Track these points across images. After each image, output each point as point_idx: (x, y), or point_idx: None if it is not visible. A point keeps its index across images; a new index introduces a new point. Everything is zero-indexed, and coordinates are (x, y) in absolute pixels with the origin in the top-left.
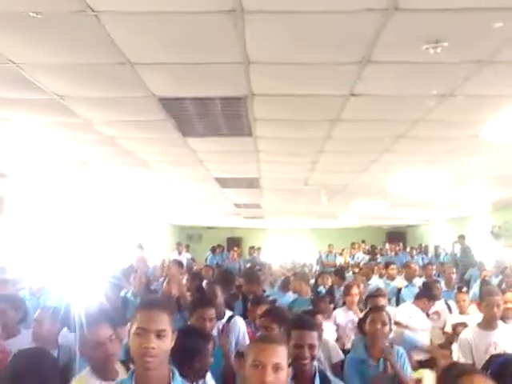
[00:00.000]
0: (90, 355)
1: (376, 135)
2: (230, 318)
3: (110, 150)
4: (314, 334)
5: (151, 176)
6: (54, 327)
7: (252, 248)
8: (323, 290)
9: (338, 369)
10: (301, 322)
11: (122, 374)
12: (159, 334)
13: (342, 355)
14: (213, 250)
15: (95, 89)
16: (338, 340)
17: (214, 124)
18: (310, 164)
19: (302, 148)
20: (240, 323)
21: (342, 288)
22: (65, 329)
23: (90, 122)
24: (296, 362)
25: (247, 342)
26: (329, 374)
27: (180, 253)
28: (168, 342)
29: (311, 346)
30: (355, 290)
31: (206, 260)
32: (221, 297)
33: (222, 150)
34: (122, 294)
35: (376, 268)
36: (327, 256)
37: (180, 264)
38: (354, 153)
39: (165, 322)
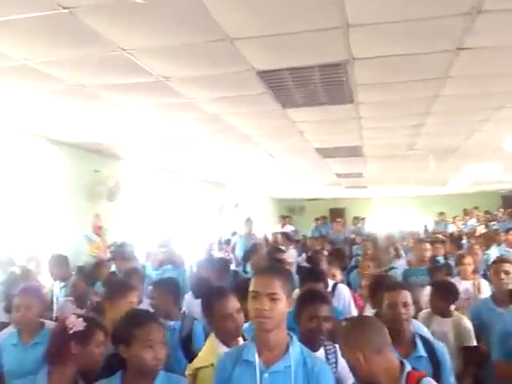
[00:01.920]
0: (217, 325)
1: (489, 90)
2: (334, 285)
3: (212, 126)
4: (406, 292)
5: (252, 150)
6: (173, 298)
7: (356, 218)
8: (441, 260)
9: None
10: (392, 284)
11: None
12: (271, 297)
13: None
14: (316, 221)
15: (198, 68)
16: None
17: (313, 93)
18: (416, 128)
19: (406, 111)
20: (344, 291)
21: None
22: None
23: (193, 100)
24: (392, 321)
25: (353, 309)
26: (430, 337)
27: (283, 225)
28: (282, 306)
29: (405, 305)
30: (468, 260)
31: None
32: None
33: (322, 119)
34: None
35: (494, 235)
36: (437, 224)
37: (287, 236)
38: (464, 112)
39: (276, 287)
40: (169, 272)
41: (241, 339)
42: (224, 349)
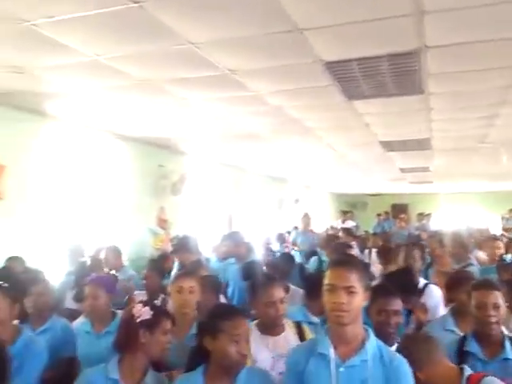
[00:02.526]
0: (259, 311)
1: None
2: (426, 285)
3: (276, 120)
4: (497, 293)
5: (315, 144)
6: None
7: (421, 214)
8: (508, 258)
9: None
10: (482, 283)
11: (287, 330)
12: (349, 291)
13: None
14: (378, 216)
15: (264, 60)
16: None
17: (381, 84)
18: (488, 119)
19: (479, 101)
20: (435, 291)
21: None
22: None
23: (258, 93)
24: (480, 323)
25: (441, 310)
26: None
27: (344, 221)
28: (358, 299)
29: (495, 306)
30: None
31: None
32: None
33: (390, 111)
34: None
35: None
36: (507, 221)
37: (348, 231)
38: None
39: (353, 280)
40: (232, 265)
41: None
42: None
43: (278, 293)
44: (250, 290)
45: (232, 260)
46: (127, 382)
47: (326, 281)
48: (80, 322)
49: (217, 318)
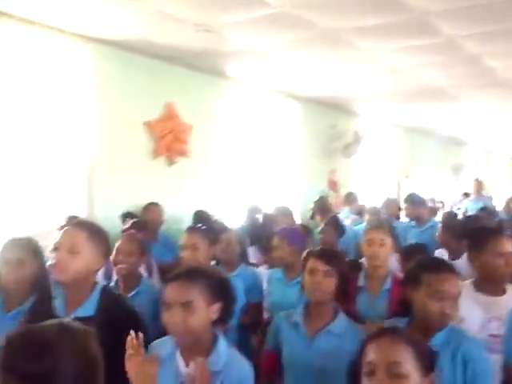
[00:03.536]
0: (485, 265)
1: None
2: None
3: (469, 70)
4: None
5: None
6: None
7: None
8: None
9: None
10: None
11: (509, 294)
12: None
13: None
14: None
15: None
16: None
17: None
18: None
19: None
20: None
21: None
22: None
23: (452, 38)
24: None
25: None
26: None
27: None
28: None
29: None
30: None
31: None
32: None
33: None
34: None
35: None
36: None
37: None
38: None
39: None
40: (413, 228)
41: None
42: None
43: (509, 245)
44: (473, 241)
45: (412, 223)
46: (311, 327)
47: None
48: (274, 270)
49: (421, 270)
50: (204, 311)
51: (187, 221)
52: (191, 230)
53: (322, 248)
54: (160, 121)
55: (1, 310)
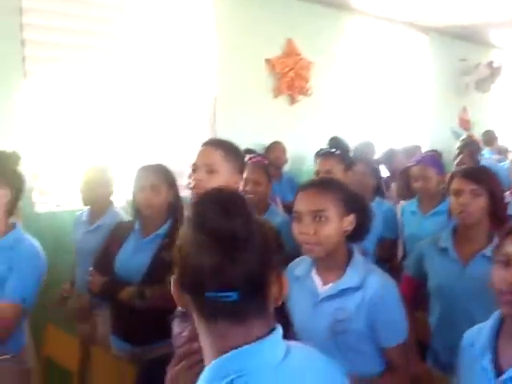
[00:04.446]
0: None
1: None
2: None
3: None
4: None
5: None
6: None
7: None
8: None
9: None
10: None
11: None
12: None
13: None
14: None
15: None
16: None
17: None
18: None
19: None
20: None
21: None
22: None
23: None
24: None
25: None
26: None
27: None
28: None
29: None
30: None
31: None
32: None
33: None
34: None
35: None
36: None
37: None
38: None
39: None
40: None
41: None
42: None
43: None
44: None
45: None
46: (462, 252)
47: None
48: (407, 203)
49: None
50: (337, 222)
51: (309, 162)
52: (326, 154)
53: (467, 167)
54: (281, 58)
55: (140, 235)
